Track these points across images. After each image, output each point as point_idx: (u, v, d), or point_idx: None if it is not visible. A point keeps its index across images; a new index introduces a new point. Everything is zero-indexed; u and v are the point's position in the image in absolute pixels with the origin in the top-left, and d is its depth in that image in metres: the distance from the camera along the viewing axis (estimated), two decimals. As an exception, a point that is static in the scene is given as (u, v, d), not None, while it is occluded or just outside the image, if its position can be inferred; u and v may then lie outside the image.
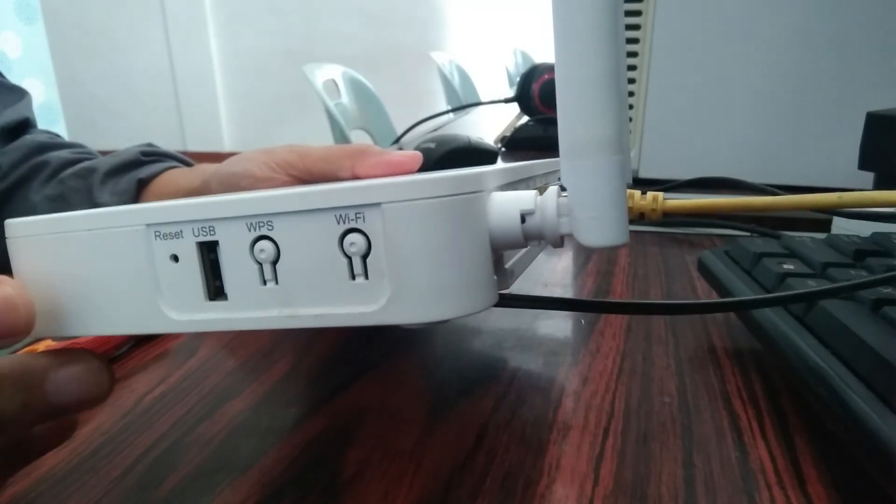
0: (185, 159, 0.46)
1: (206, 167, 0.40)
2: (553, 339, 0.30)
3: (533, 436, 0.22)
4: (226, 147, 3.22)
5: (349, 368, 0.27)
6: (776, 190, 0.46)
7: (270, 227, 0.15)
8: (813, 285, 0.24)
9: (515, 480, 0.20)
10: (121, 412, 0.25)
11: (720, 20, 0.54)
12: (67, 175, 0.42)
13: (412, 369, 0.27)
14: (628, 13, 0.56)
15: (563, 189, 0.16)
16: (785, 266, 0.26)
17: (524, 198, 0.15)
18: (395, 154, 0.32)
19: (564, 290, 0.36)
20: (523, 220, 0.15)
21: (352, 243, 0.14)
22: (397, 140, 0.95)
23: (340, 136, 1.26)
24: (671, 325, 0.31)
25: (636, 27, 0.57)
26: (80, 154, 0.46)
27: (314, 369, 0.28)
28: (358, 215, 0.14)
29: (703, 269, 0.32)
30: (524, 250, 0.20)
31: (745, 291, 0.27)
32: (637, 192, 0.39)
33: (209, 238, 0.15)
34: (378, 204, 0.14)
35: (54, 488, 0.21)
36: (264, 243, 0.15)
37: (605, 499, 0.19)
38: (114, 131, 3.08)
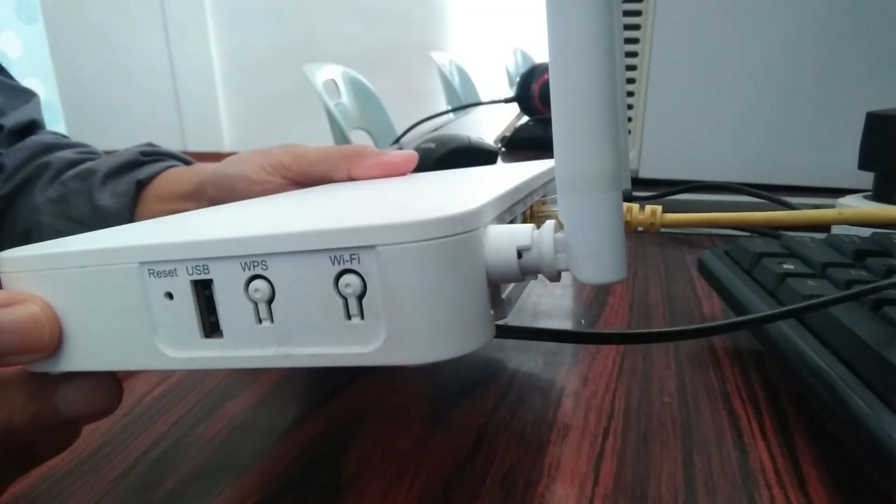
0: (185, 158, 0.46)
1: (204, 167, 0.40)
2: (553, 339, 0.30)
3: (533, 436, 0.22)
4: (226, 147, 3.22)
5: (349, 368, 0.27)
6: (777, 198, 0.46)
7: (265, 267, 0.14)
8: (813, 285, 0.24)
9: (515, 480, 0.20)
10: (120, 412, 0.25)
11: (720, 20, 0.54)
12: (69, 177, 0.42)
13: (412, 369, 0.27)
14: (628, 13, 0.56)
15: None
16: (785, 266, 0.26)
17: (521, 233, 0.15)
18: (390, 155, 0.32)
19: (564, 292, 0.36)
20: (520, 255, 0.15)
21: (347, 284, 0.14)
22: (397, 140, 0.95)
23: (340, 136, 1.26)
24: (671, 324, 0.31)
25: (636, 27, 0.57)
26: (84, 154, 0.46)
27: (314, 369, 0.28)
28: (353, 257, 0.14)
29: (703, 269, 0.32)
30: None
31: (745, 292, 0.27)
32: (635, 206, 0.39)
33: (203, 277, 0.15)
34: (373, 246, 0.13)
35: (54, 488, 0.21)
36: (259, 282, 0.14)
37: (605, 499, 0.19)
38: (114, 131, 3.08)
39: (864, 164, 0.40)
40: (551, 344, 0.29)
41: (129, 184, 0.41)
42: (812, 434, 0.22)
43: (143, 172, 0.42)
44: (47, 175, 0.43)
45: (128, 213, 0.40)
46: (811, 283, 0.24)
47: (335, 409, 0.24)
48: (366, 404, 0.25)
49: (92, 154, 0.47)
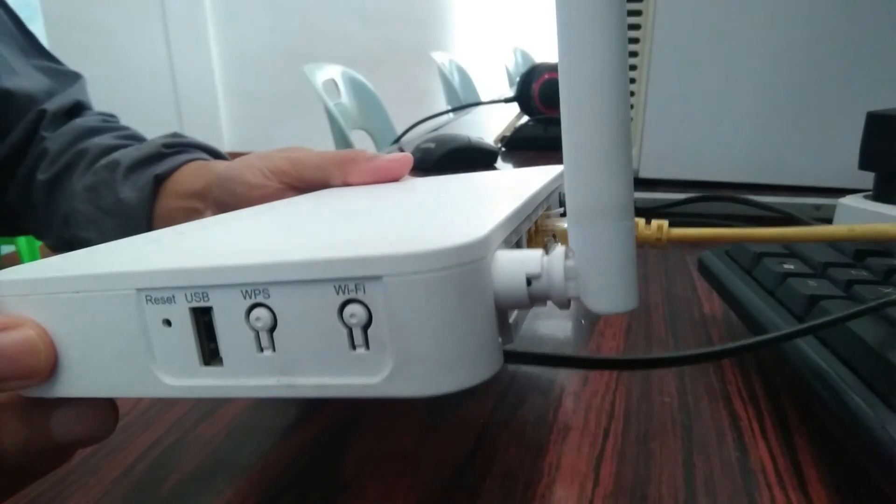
0: (210, 147, 0.46)
1: (214, 167, 0.41)
2: (553, 338, 0.30)
3: (533, 436, 0.22)
4: (225, 147, 3.22)
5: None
6: (786, 211, 0.46)
7: (267, 296, 0.14)
8: (814, 286, 0.24)
9: (515, 481, 0.20)
10: (121, 412, 0.25)
11: (720, 20, 0.54)
12: (100, 166, 0.43)
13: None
14: (628, 13, 0.56)
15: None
16: (785, 266, 0.26)
17: (530, 259, 0.15)
18: (383, 159, 0.32)
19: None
20: (529, 282, 0.15)
21: (352, 314, 0.14)
22: (397, 140, 0.95)
23: (340, 136, 1.26)
24: (671, 325, 0.31)
25: (636, 27, 0.57)
26: (121, 140, 0.46)
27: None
28: (358, 286, 0.13)
29: (704, 269, 0.32)
30: None
31: (745, 292, 0.27)
32: (641, 221, 0.39)
33: (202, 304, 0.14)
34: (380, 277, 0.13)
35: (54, 488, 0.21)
36: (260, 311, 0.14)
37: (605, 499, 0.19)
38: (114, 131, 3.07)
39: (864, 164, 0.40)
40: (551, 343, 0.29)
41: (147, 178, 0.41)
42: (812, 434, 0.22)
43: (162, 167, 0.42)
44: (84, 162, 0.44)
45: (146, 207, 0.41)
46: (812, 283, 0.24)
47: (335, 409, 0.24)
48: (366, 404, 0.25)
49: (130, 139, 0.46)
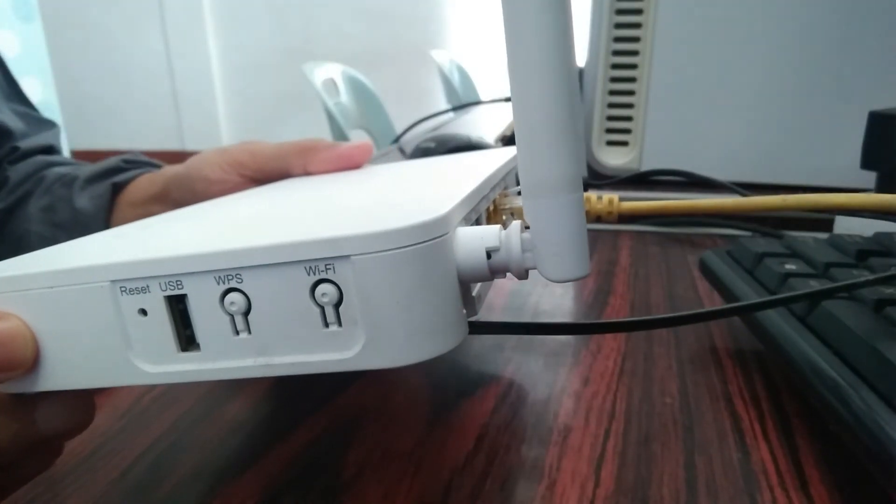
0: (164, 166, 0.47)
1: (169, 169, 0.41)
2: (553, 339, 0.29)
3: (533, 437, 0.22)
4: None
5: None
6: (731, 186, 0.47)
7: (240, 280, 0.14)
8: (815, 286, 0.24)
9: (515, 482, 0.20)
10: (119, 413, 0.25)
11: (721, 19, 0.54)
12: (56, 185, 0.44)
13: (412, 370, 0.27)
14: (629, 12, 0.56)
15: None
16: (787, 266, 0.26)
17: (488, 234, 0.16)
18: (343, 147, 0.32)
19: (565, 291, 0.36)
20: (489, 255, 0.15)
21: (323, 293, 0.14)
22: (397, 139, 0.95)
23: (340, 136, 1.26)
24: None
25: (636, 26, 0.57)
26: (78, 169, 0.46)
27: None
28: (328, 266, 0.14)
29: (705, 270, 0.32)
30: None
31: (746, 292, 0.27)
32: (593, 196, 0.40)
33: (177, 292, 0.15)
34: (348, 256, 0.14)
35: (52, 489, 0.20)
36: (234, 295, 0.15)
37: (605, 500, 0.19)
38: (111, 130, 3.07)
39: (866, 164, 0.40)
40: (552, 345, 0.29)
41: (105, 187, 0.42)
42: (814, 435, 0.22)
43: (120, 177, 0.43)
44: (42, 187, 0.45)
45: (103, 216, 0.41)
46: (813, 283, 0.24)
47: (335, 409, 0.24)
48: (365, 405, 0.25)
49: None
